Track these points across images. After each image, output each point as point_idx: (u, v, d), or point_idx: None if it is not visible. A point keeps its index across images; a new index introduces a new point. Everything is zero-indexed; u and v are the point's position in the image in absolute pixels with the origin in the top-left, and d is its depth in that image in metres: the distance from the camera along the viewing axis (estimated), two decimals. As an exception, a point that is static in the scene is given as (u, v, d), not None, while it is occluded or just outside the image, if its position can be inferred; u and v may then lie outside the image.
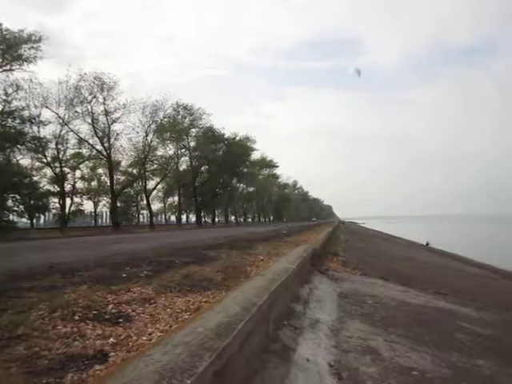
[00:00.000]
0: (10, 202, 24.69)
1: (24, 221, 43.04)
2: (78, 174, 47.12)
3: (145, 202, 47.21)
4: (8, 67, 25.36)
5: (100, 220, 65.58)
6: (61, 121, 32.85)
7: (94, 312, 3.27)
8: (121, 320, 3.17)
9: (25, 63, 25.89)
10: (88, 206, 55.14)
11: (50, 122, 31.63)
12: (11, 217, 25.50)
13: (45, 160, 33.76)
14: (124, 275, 5.25)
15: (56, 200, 39.30)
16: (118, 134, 36.96)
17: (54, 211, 42.64)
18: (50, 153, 33.60)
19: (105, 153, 36.66)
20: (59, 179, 35.38)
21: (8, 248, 12.25)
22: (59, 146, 33.97)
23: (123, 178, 46.91)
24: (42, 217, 60.94)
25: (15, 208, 25.57)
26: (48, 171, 36.89)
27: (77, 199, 49.31)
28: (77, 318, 3.08)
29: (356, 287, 6.59)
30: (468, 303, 7.44)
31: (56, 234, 24.98)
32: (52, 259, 7.07)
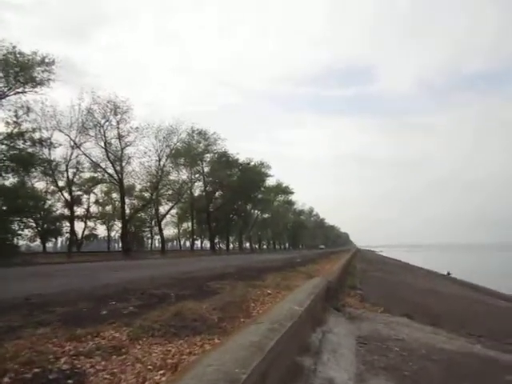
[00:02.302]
0: (15, 226, 24.32)
1: (38, 244, 43.02)
2: (92, 198, 47.18)
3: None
4: (21, 89, 25.48)
5: (116, 245, 65.49)
6: (72, 143, 32.90)
7: (36, 370, 2.47)
8: (69, 382, 2.38)
9: (38, 86, 26.01)
10: (104, 230, 55.12)
11: (60, 145, 31.71)
12: (16, 240, 25.08)
13: (57, 183, 33.58)
14: (104, 312, 4.50)
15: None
16: (129, 158, 36.80)
17: (67, 235, 42.46)
18: (61, 176, 33.45)
19: (116, 176, 36.38)
20: (69, 203, 35.10)
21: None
22: (70, 170, 33.86)
23: (136, 202, 46.58)
24: (60, 240, 61.16)
25: (19, 231, 25.11)
26: (61, 195, 36.74)
27: (90, 223, 49.24)
28: (7, 380, 2.30)
29: (377, 328, 5.66)
30: (508, 347, 6.43)
31: (62, 259, 24.39)
32: (35, 290, 6.36)
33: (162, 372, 2.61)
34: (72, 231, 37.02)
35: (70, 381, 2.40)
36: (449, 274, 32.82)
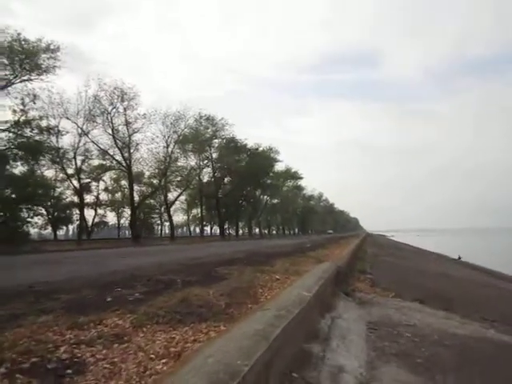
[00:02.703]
0: (25, 214, 24.47)
1: (49, 232, 43.48)
2: (101, 185, 47.39)
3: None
4: (26, 77, 25.30)
5: (126, 232, 65.95)
6: (79, 131, 32.87)
7: (35, 359, 2.39)
8: (68, 372, 2.29)
9: (44, 73, 25.81)
10: (114, 217, 55.53)
11: (67, 132, 31.70)
12: (26, 228, 25.23)
13: (65, 171, 33.69)
14: (109, 299, 4.43)
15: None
16: (137, 145, 36.75)
17: (78, 223, 42.80)
18: (69, 164, 33.56)
19: (124, 163, 36.36)
20: (78, 191, 35.25)
21: (6, 262, 11.61)
22: (78, 157, 33.95)
23: (145, 189, 46.64)
24: (71, 228, 61.67)
25: (29, 219, 25.27)
26: (70, 183, 36.89)
27: (100, 211, 49.55)
28: (3, 370, 2.22)
29: (388, 314, 5.55)
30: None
31: (72, 247, 24.54)
32: (42, 277, 6.34)
33: (164, 361, 2.51)
34: (82, 219, 37.24)
35: (69, 370, 2.31)
36: (459, 258, 32.86)
